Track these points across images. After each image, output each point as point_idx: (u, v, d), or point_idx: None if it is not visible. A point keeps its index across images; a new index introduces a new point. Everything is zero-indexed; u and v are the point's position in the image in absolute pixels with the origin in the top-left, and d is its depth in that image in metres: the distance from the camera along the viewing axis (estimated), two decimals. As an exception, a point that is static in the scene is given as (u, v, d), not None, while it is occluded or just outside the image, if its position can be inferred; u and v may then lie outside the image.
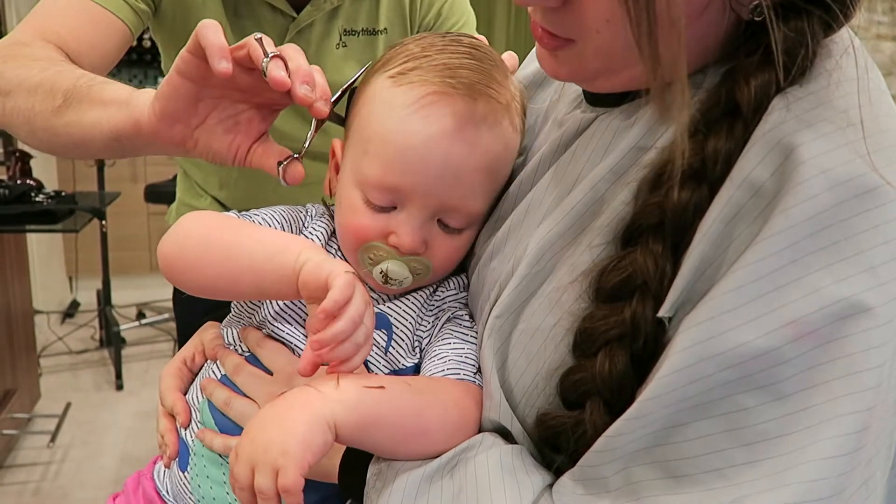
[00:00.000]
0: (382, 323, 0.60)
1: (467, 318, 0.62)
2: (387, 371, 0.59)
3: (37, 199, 2.07)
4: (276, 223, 0.62)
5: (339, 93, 0.60)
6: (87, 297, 3.53)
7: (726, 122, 0.43)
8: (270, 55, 0.53)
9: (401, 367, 0.59)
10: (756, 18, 0.43)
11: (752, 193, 0.41)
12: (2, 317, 2.32)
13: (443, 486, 0.49)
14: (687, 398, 0.41)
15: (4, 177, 2.33)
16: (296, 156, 0.60)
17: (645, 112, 0.50)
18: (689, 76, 0.47)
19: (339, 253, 0.62)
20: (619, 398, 0.44)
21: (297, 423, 0.46)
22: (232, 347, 0.63)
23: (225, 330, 0.65)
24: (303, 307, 0.60)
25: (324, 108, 0.56)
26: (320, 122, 0.58)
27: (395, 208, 0.57)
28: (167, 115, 0.59)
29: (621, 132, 0.51)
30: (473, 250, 0.63)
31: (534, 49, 0.73)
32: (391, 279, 0.57)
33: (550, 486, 0.48)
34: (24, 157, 2.24)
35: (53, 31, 0.80)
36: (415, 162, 0.54)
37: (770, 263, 0.40)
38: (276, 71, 0.53)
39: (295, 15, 1.00)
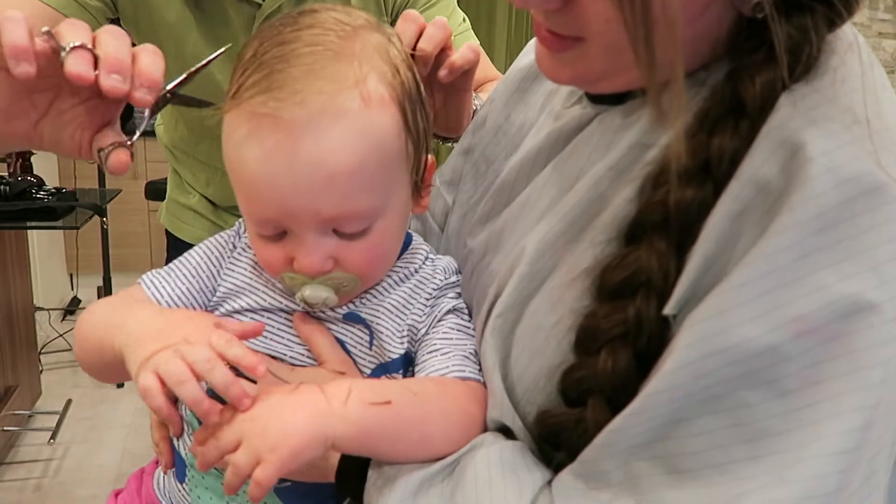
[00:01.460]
0: (356, 319, 0.59)
1: (467, 310, 0.61)
2: (373, 365, 0.59)
3: (38, 195, 2.07)
4: (199, 265, 0.61)
5: (185, 75, 0.57)
6: (88, 294, 3.53)
7: (731, 119, 0.43)
8: (69, 46, 0.48)
9: (387, 359, 0.59)
10: (758, 16, 0.43)
11: (758, 191, 0.41)
12: (3, 314, 2.32)
13: (443, 485, 0.49)
14: (690, 394, 0.41)
15: (5, 173, 2.33)
16: (128, 143, 0.55)
17: (647, 110, 0.50)
18: (692, 74, 0.47)
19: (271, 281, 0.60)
20: (621, 396, 0.44)
21: (297, 428, 0.46)
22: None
23: None
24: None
25: (145, 97, 0.51)
26: (155, 109, 0.55)
27: (286, 233, 0.54)
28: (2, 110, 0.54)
29: (623, 129, 0.51)
30: (462, 241, 0.62)
31: (532, 41, 0.73)
32: (312, 304, 0.56)
33: (550, 483, 0.48)
34: (25, 154, 2.24)
35: None
36: (264, 190, 0.51)
37: (776, 260, 0.40)
38: (73, 66, 0.48)
39: (261, 2, 0.97)
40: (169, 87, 0.56)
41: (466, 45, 0.70)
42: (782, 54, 0.42)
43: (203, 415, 0.48)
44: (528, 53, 0.71)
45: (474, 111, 0.79)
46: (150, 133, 1.28)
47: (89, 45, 0.49)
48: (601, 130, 0.52)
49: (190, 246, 1.19)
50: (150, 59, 0.52)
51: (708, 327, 0.40)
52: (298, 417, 0.47)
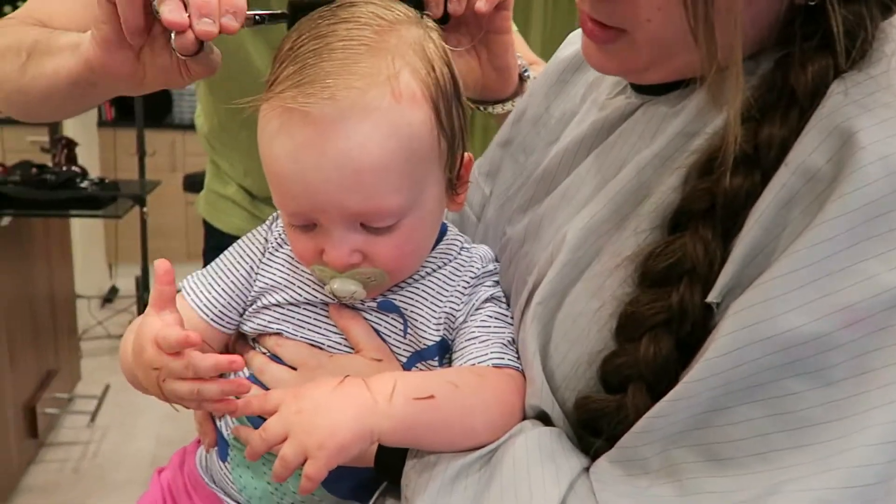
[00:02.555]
0: (390, 308, 0.60)
1: (504, 298, 0.62)
2: (408, 352, 0.60)
3: (82, 185, 2.12)
4: (235, 265, 0.62)
5: (267, 14, 0.57)
6: (126, 283, 3.60)
7: (781, 108, 0.43)
8: None
9: (422, 346, 0.59)
10: (811, 2, 0.43)
11: (807, 179, 0.41)
12: (46, 300, 2.39)
13: (480, 472, 0.50)
14: (732, 381, 0.41)
15: (51, 163, 2.39)
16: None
17: (692, 99, 0.50)
18: (742, 62, 0.47)
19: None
20: (661, 382, 0.45)
21: (344, 425, 0.48)
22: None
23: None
24: (295, 309, 0.61)
25: (231, 23, 0.53)
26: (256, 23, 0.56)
27: (317, 226, 0.54)
28: (108, 41, 0.56)
29: (668, 118, 0.51)
30: (500, 229, 0.62)
31: (575, 31, 0.73)
32: (340, 297, 0.57)
33: (587, 469, 0.48)
34: (70, 145, 2.30)
35: (44, 13, 0.79)
36: (293, 184, 0.52)
37: (824, 249, 0.39)
38: (168, 14, 0.51)
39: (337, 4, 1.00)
40: (252, 12, 0.57)
41: None
42: (840, 41, 0.41)
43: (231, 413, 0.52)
44: (570, 45, 0.71)
45: (524, 75, 0.78)
46: (189, 126, 1.31)
47: None
48: (646, 120, 0.52)
49: (226, 235, 1.22)
50: None
51: (753, 315, 0.40)
52: (345, 414, 0.48)
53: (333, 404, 0.49)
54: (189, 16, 0.51)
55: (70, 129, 2.92)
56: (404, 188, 0.52)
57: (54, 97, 0.67)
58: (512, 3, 0.71)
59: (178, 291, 0.58)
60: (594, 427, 0.49)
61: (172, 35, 0.53)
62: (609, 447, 0.47)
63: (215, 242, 1.23)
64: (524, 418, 0.54)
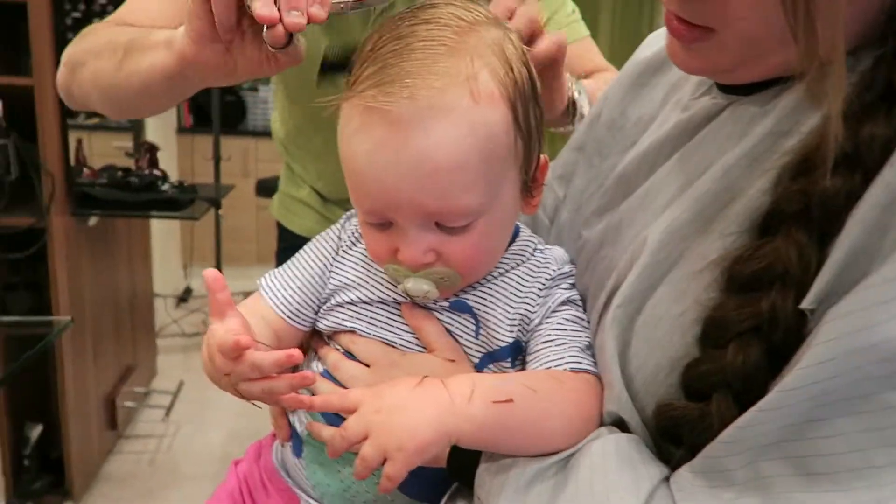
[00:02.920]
0: (462, 308, 0.60)
1: (581, 301, 0.61)
2: (480, 353, 0.60)
3: (162, 188, 2.22)
4: (310, 263, 0.64)
5: (351, 1, 0.58)
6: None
7: (883, 106, 0.41)
8: None
9: (495, 347, 0.59)
10: None
11: None
12: (126, 298, 2.50)
13: (556, 477, 0.49)
14: (828, 392, 0.39)
15: (134, 167, 2.51)
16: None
17: (783, 98, 0.48)
18: None
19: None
20: (749, 391, 0.43)
21: (423, 427, 0.48)
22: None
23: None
24: (367, 308, 0.62)
25: (319, 13, 0.54)
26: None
27: (392, 224, 0.55)
28: (201, 35, 0.59)
29: (758, 118, 0.49)
30: (576, 232, 0.61)
31: (654, 32, 0.71)
32: (413, 296, 0.57)
33: (667, 479, 0.47)
34: (153, 150, 2.41)
35: (135, 17, 0.82)
36: (370, 183, 0.52)
37: None
38: (261, 10, 0.52)
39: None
40: (337, 0, 0.58)
41: (551, 37, 0.69)
42: None
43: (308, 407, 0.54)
44: (648, 47, 0.69)
45: (572, 101, 0.78)
46: (262, 133, 1.35)
47: None
48: (733, 120, 0.51)
49: (298, 237, 1.25)
50: None
51: (851, 322, 0.38)
52: (424, 416, 0.49)
53: (413, 405, 0.49)
54: (279, 9, 0.53)
55: (152, 134, 3.06)
56: (480, 188, 0.53)
57: (149, 91, 0.70)
58: (561, 63, 0.71)
59: (232, 295, 0.59)
60: (674, 435, 0.48)
61: (264, 28, 0.55)
62: (690, 457, 0.46)
63: (288, 244, 1.27)
64: (601, 424, 0.53)
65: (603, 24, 3.55)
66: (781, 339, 0.42)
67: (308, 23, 0.53)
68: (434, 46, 0.51)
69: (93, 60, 0.76)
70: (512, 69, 0.54)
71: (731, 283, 0.45)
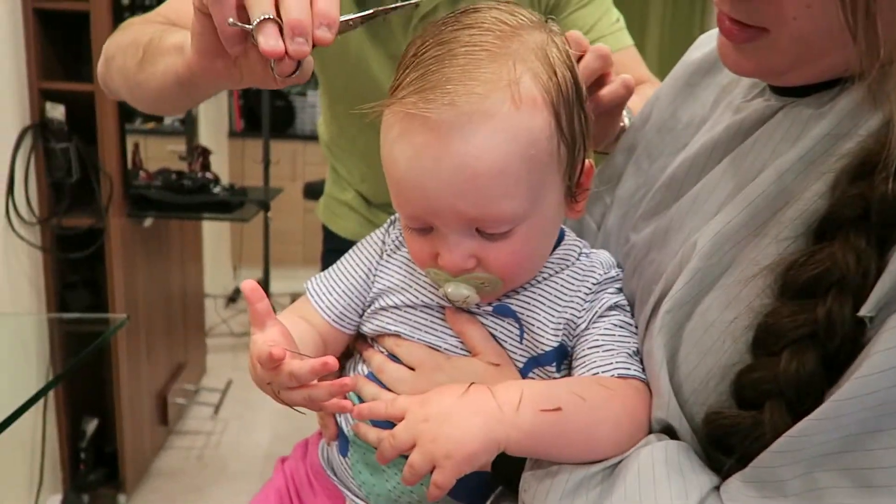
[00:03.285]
0: (506, 312, 0.60)
1: (628, 306, 0.60)
2: (525, 358, 0.59)
3: (214, 190, 2.27)
4: (355, 267, 0.65)
5: (363, 13, 0.56)
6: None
7: None
8: (256, 22, 0.49)
9: (539, 352, 0.59)
10: None
11: None
12: (179, 297, 2.57)
13: (603, 485, 0.49)
14: (887, 402, 0.38)
15: (188, 170, 2.58)
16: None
17: (841, 99, 0.47)
18: None
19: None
20: (803, 400, 0.42)
21: (471, 436, 0.48)
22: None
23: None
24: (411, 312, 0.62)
25: (325, 35, 0.51)
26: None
27: (433, 229, 0.55)
28: (205, 51, 0.57)
29: (813, 120, 0.48)
30: (623, 236, 0.60)
31: (705, 33, 0.70)
32: (454, 301, 0.57)
33: (717, 488, 0.46)
34: (205, 153, 2.48)
35: (173, 11, 0.82)
36: (411, 188, 0.52)
37: None
38: (266, 44, 0.49)
39: (418, 1, 0.97)
40: (344, 17, 0.56)
41: (621, 80, 0.68)
42: None
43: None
44: (699, 48, 0.68)
45: (622, 128, 0.77)
46: (310, 137, 1.37)
47: (272, 15, 0.50)
48: (788, 122, 0.50)
49: (343, 239, 1.26)
50: (326, 2, 0.51)
51: None
52: (472, 424, 0.49)
53: (461, 413, 0.49)
54: (283, 39, 0.51)
55: (204, 138, 3.14)
56: (521, 194, 0.52)
57: (164, 93, 0.71)
58: (626, 103, 0.70)
59: (279, 297, 0.59)
60: (725, 444, 0.47)
61: (272, 62, 0.54)
62: (740, 466, 0.45)
63: (333, 246, 1.29)
64: (650, 432, 0.52)
65: (651, 34, 3.50)
66: (838, 346, 0.41)
67: (314, 47, 0.52)
68: (476, 52, 0.51)
69: (121, 56, 0.77)
70: (555, 73, 0.53)
71: (785, 289, 0.44)
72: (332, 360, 0.51)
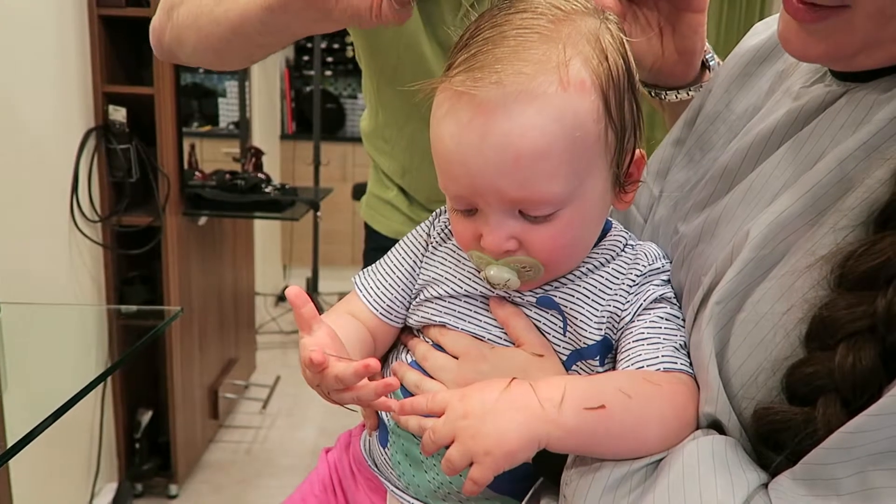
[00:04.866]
0: (549, 304, 0.59)
1: (676, 298, 0.59)
2: (568, 351, 0.58)
3: (266, 190, 2.32)
4: (402, 260, 0.65)
5: None
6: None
7: None
8: None
9: (582, 345, 0.58)
10: None
11: None
12: (230, 295, 2.63)
13: (646, 480, 0.48)
14: None
15: (241, 171, 2.64)
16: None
17: None
18: None
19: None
20: (860, 396, 0.40)
21: (511, 433, 0.48)
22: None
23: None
24: (455, 302, 0.62)
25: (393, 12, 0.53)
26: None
27: (477, 210, 0.55)
28: None
29: (878, 105, 0.46)
30: (672, 227, 0.59)
31: (760, 21, 0.68)
32: (494, 284, 0.56)
33: (765, 485, 0.45)
34: (258, 154, 2.53)
35: None
36: (455, 167, 0.52)
37: None
38: None
39: None
40: None
41: None
42: None
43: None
44: (755, 35, 0.66)
45: (708, 62, 0.73)
46: (359, 139, 1.37)
47: None
48: (851, 108, 0.48)
49: (385, 238, 1.26)
50: None
51: None
52: (513, 421, 0.48)
53: (501, 410, 0.49)
54: None
55: (257, 140, 3.22)
56: (564, 177, 0.52)
57: (246, 27, 0.71)
58: None
59: (328, 296, 0.60)
60: (775, 440, 0.45)
61: None
62: (790, 463, 0.43)
63: (375, 245, 1.29)
64: (697, 427, 0.51)
65: (710, 15, 3.44)
66: None
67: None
68: (527, 34, 0.51)
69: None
70: (607, 58, 0.53)
71: (842, 280, 0.42)
72: (373, 362, 0.51)
